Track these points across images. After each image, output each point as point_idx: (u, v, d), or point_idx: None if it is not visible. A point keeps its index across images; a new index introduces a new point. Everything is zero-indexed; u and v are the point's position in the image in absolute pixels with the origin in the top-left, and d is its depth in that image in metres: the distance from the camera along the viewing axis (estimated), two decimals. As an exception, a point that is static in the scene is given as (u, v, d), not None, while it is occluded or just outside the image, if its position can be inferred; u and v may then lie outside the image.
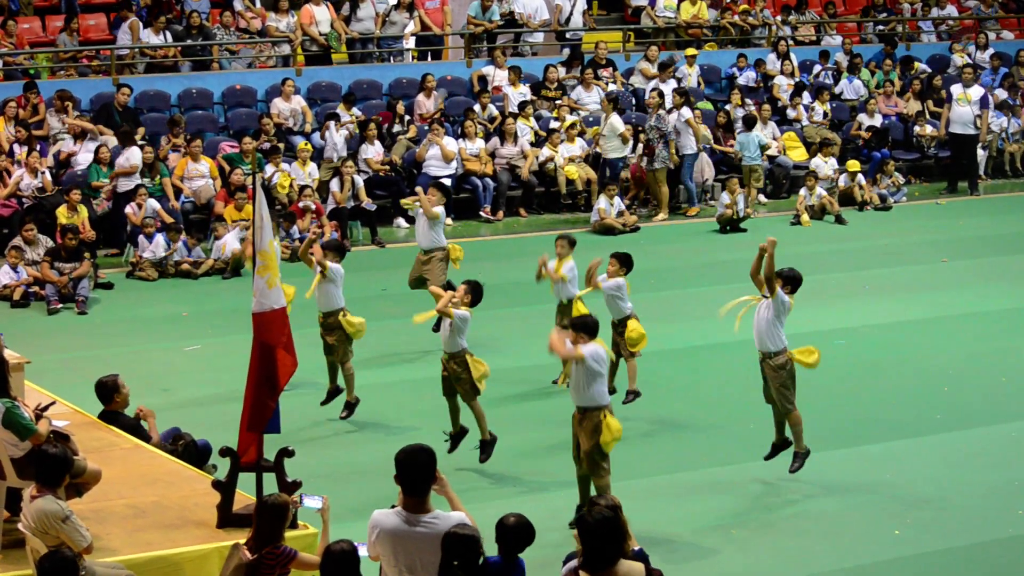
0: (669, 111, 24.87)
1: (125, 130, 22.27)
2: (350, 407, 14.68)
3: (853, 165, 26.54)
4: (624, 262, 14.90)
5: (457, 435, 13.43)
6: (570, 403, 11.79)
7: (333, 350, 14.63)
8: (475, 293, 13.36)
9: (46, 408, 10.21)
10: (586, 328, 11.74)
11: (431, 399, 13.97)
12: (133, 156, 21.81)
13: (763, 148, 26.03)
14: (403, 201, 20.72)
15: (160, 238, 20.99)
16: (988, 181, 28.55)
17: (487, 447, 13.31)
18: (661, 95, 25.05)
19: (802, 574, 11.45)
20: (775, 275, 12.76)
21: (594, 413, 11.57)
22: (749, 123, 26.21)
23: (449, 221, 23.89)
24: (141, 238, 20.98)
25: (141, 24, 25.12)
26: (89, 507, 10.03)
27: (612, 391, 14.64)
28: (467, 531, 7.84)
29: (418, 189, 17.94)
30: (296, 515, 9.78)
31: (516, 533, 8.21)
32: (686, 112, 24.97)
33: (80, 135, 22.68)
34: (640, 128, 25.02)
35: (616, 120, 24.65)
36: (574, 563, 7.98)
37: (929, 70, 30.26)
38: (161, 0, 25.83)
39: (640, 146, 24.91)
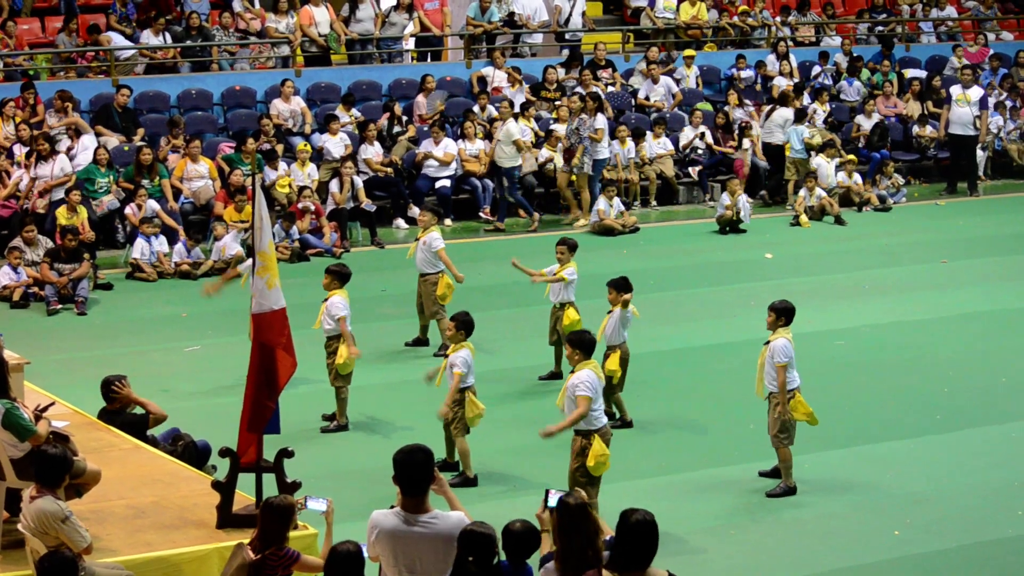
0: (592, 114, 24.49)
1: (44, 133, 22.15)
2: (338, 427, 14.49)
3: (849, 158, 26.51)
4: (620, 288, 14.29)
5: (444, 465, 13.16)
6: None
7: (328, 370, 14.48)
8: (465, 328, 13.14)
9: (45, 409, 10.19)
10: (582, 345, 11.64)
11: (430, 399, 13.96)
12: (66, 166, 21.79)
13: (808, 145, 25.89)
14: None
15: (163, 238, 21.02)
16: (988, 182, 28.55)
17: (464, 482, 12.98)
18: (582, 98, 24.75)
19: (802, 574, 11.45)
20: (769, 310, 12.75)
21: (582, 436, 11.55)
22: (799, 116, 26.13)
23: (449, 222, 23.88)
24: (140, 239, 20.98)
25: (116, 35, 25.08)
26: (89, 507, 10.03)
27: (612, 416, 14.57)
28: (485, 529, 7.91)
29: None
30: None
31: (523, 539, 8.24)
32: (600, 120, 24.40)
33: (76, 133, 22.64)
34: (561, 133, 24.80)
35: (512, 126, 24.16)
36: (551, 564, 8.03)
37: (924, 74, 30.18)
38: (159, 1, 25.82)
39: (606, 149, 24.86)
